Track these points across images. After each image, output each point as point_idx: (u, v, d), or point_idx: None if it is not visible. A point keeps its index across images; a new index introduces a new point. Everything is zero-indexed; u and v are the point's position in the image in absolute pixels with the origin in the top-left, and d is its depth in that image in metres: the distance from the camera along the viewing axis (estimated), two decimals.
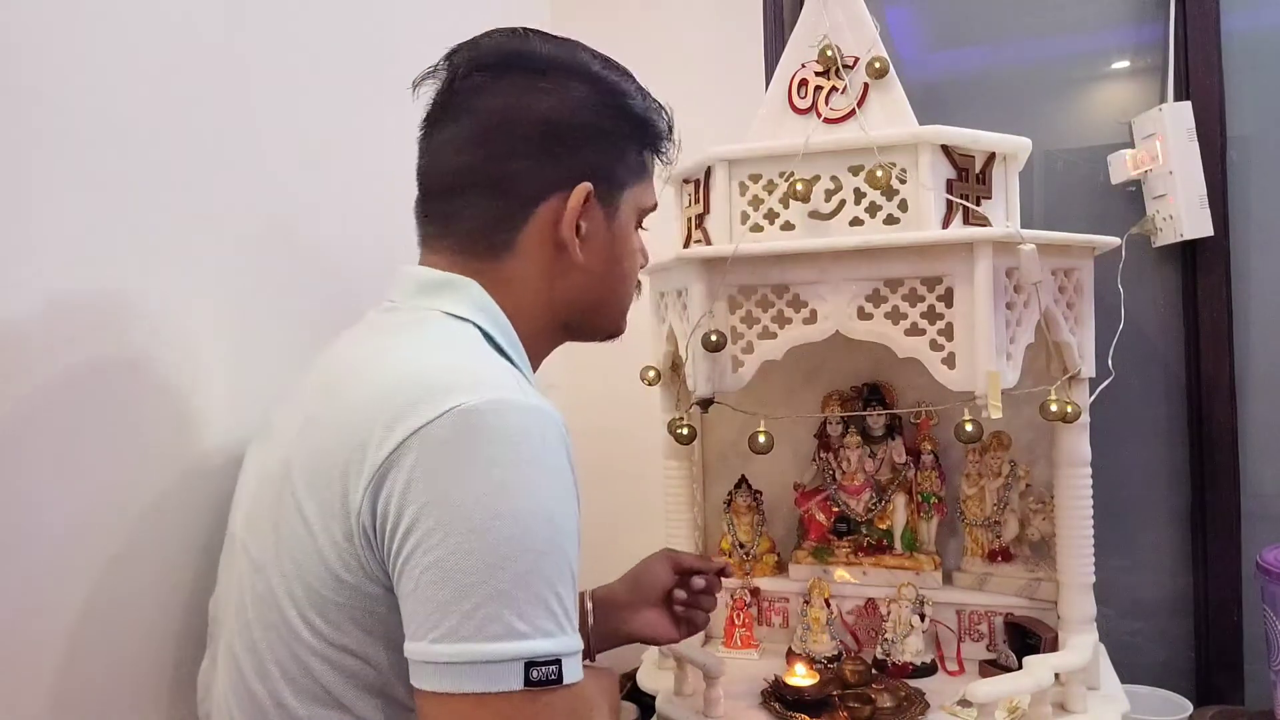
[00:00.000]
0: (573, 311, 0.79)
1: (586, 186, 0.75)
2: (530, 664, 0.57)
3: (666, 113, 0.84)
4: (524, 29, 0.79)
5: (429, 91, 0.77)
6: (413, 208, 0.80)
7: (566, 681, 0.59)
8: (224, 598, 0.74)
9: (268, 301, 0.93)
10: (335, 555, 0.62)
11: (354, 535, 0.61)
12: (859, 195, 1.09)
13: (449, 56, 0.77)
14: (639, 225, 0.85)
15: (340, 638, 0.63)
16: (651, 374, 1.19)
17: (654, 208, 0.85)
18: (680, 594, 1.02)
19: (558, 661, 0.58)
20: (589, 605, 1.01)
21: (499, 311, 0.75)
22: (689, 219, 1.22)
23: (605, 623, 1.00)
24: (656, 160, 0.85)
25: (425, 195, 0.79)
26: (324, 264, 1.01)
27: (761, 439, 1.11)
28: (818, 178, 1.10)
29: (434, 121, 0.78)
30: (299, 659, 0.64)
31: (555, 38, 0.79)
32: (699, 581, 1.02)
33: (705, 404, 1.15)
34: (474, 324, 0.73)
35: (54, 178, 0.70)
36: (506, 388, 0.63)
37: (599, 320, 0.82)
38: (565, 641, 0.59)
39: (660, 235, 0.98)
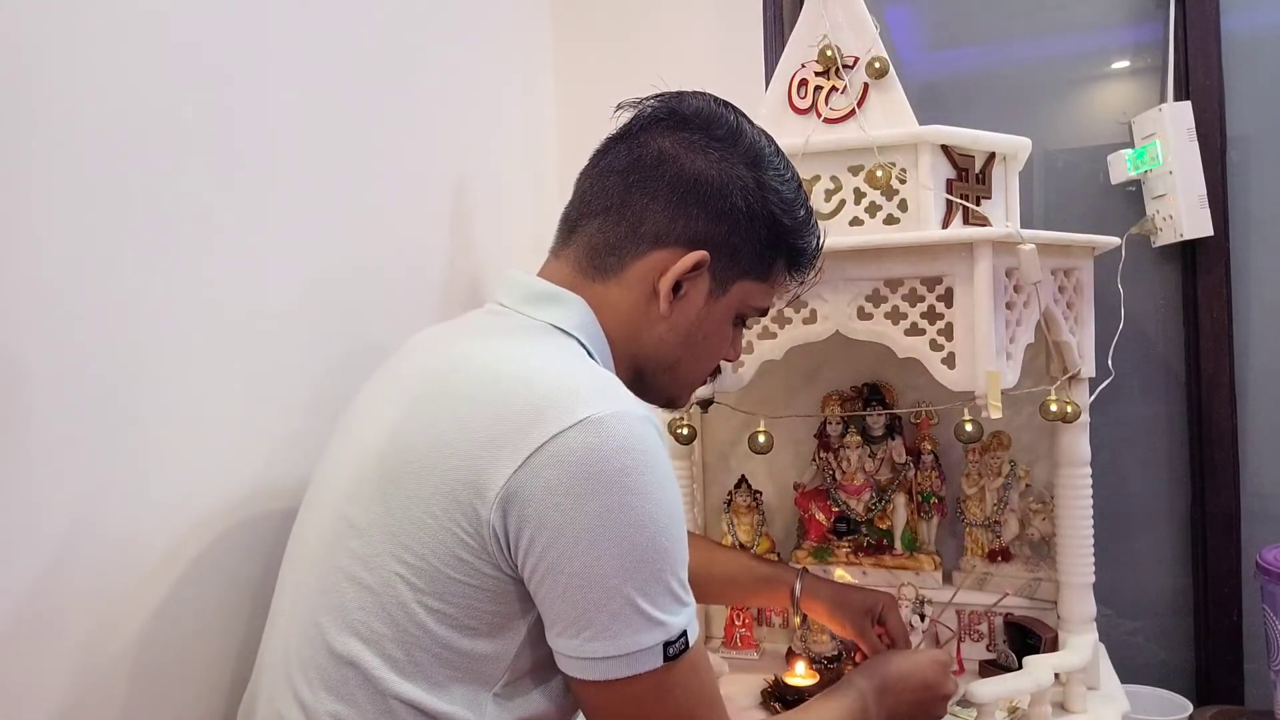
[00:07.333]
0: (649, 360, 0.82)
1: (702, 255, 0.78)
2: (667, 643, 0.65)
3: (819, 240, 0.87)
4: (734, 106, 0.84)
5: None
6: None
7: (693, 643, 0.67)
8: (296, 565, 0.74)
9: (305, 319, 0.94)
10: (458, 542, 0.65)
11: (484, 534, 0.64)
12: (859, 195, 1.09)
13: (654, 97, 0.83)
14: (742, 320, 0.87)
15: (446, 607, 0.65)
16: None
17: (764, 312, 0.89)
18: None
19: (685, 632, 0.67)
20: (796, 588, 1.09)
21: (600, 332, 0.78)
22: None
23: (822, 600, 1.09)
24: (786, 275, 0.87)
25: (570, 207, 0.84)
26: (348, 272, 1.02)
27: (761, 439, 1.11)
28: (818, 178, 1.10)
29: (609, 146, 0.83)
30: (395, 621, 0.65)
31: (756, 126, 0.84)
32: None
33: (705, 404, 1.15)
34: (577, 340, 0.76)
35: (79, 189, 0.69)
36: (624, 398, 0.68)
37: (666, 379, 0.85)
38: (688, 613, 0.67)
39: None
